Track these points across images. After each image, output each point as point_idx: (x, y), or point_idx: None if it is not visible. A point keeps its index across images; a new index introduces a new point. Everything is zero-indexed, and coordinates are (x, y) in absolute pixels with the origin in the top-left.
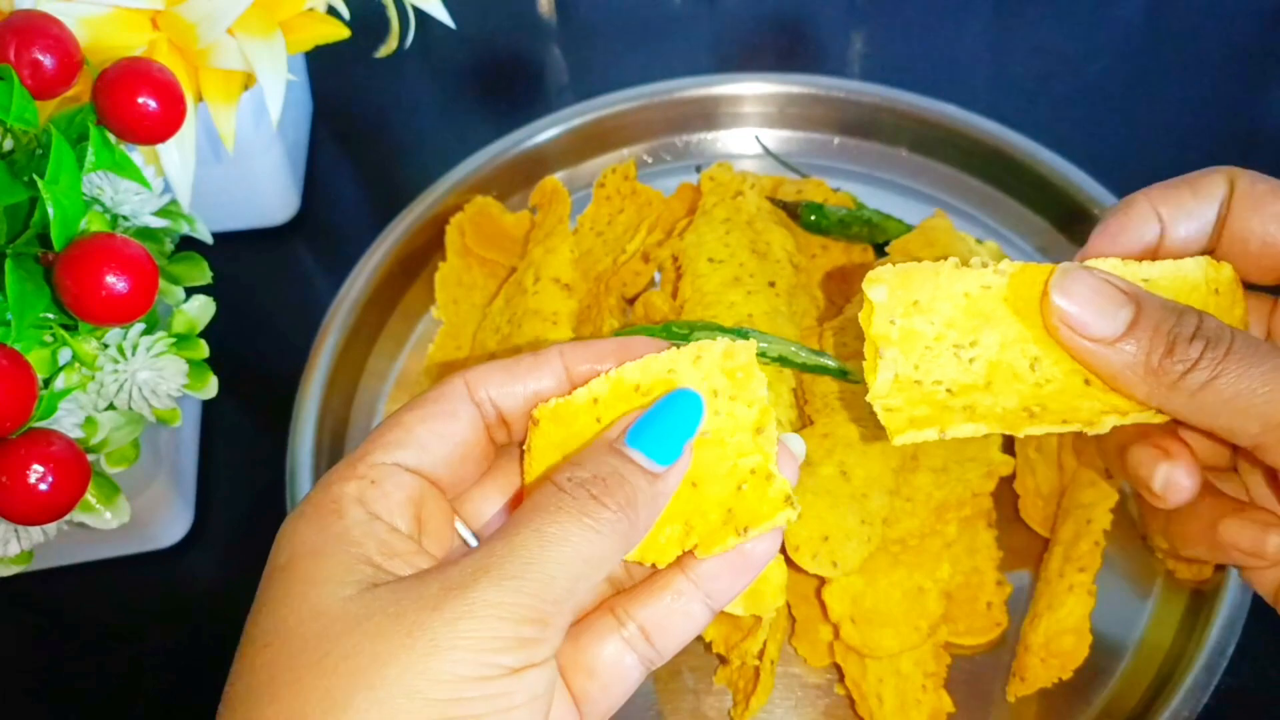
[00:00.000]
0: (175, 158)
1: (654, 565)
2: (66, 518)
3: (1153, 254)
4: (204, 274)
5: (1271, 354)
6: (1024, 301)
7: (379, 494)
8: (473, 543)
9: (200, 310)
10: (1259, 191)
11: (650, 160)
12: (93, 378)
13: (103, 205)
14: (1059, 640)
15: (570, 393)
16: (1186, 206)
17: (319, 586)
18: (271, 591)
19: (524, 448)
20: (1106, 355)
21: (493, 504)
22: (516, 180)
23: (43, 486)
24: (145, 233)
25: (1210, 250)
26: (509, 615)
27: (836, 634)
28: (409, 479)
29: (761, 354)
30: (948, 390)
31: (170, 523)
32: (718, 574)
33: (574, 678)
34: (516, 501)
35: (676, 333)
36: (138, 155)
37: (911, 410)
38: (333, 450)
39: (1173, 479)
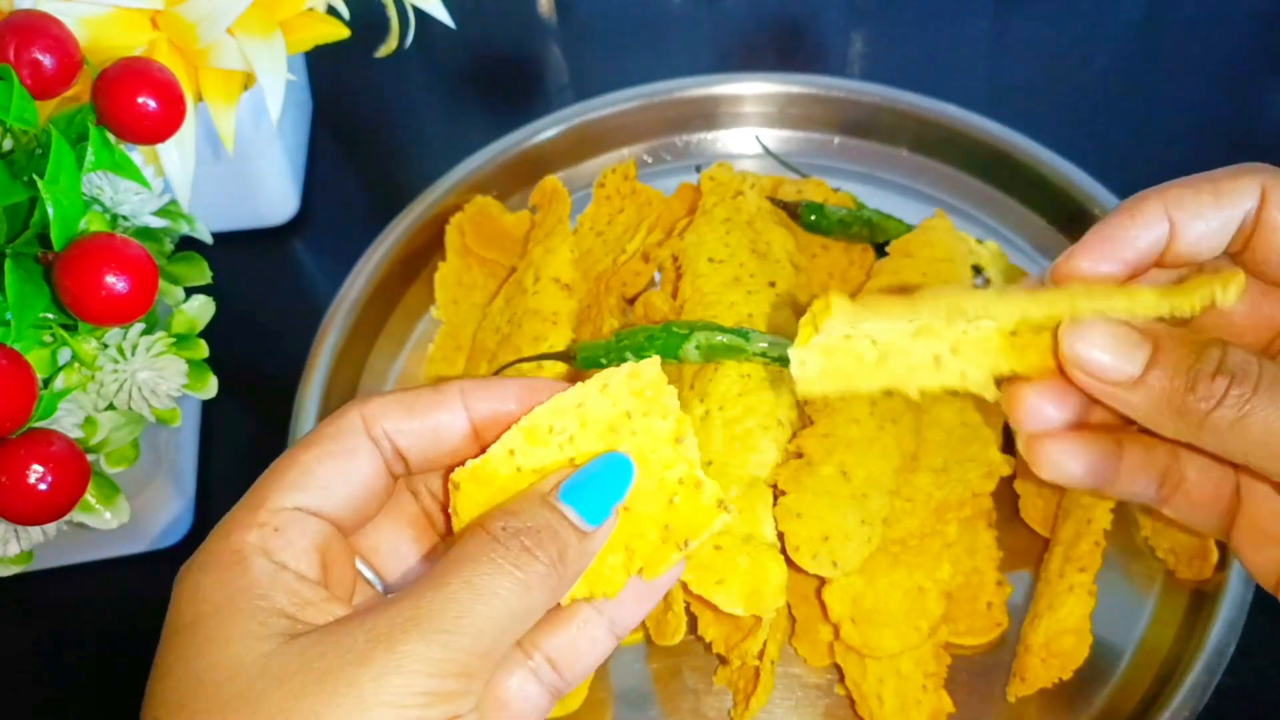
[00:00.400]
0: (175, 158)
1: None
2: (66, 518)
3: (1155, 260)
4: (204, 274)
5: None
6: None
7: (283, 542)
8: (372, 579)
9: (200, 310)
10: None
11: (650, 160)
12: (92, 378)
13: (102, 205)
14: (1059, 640)
15: (482, 451)
16: (1205, 212)
17: (233, 643)
18: (179, 651)
19: (449, 511)
20: (1129, 398)
21: (389, 539)
22: (516, 180)
23: (42, 486)
24: (145, 232)
25: (1234, 255)
26: (436, 670)
27: (837, 634)
28: (313, 523)
29: (761, 354)
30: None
31: (170, 523)
32: (621, 601)
33: (486, 711)
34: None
35: (676, 332)
36: (137, 155)
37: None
38: None
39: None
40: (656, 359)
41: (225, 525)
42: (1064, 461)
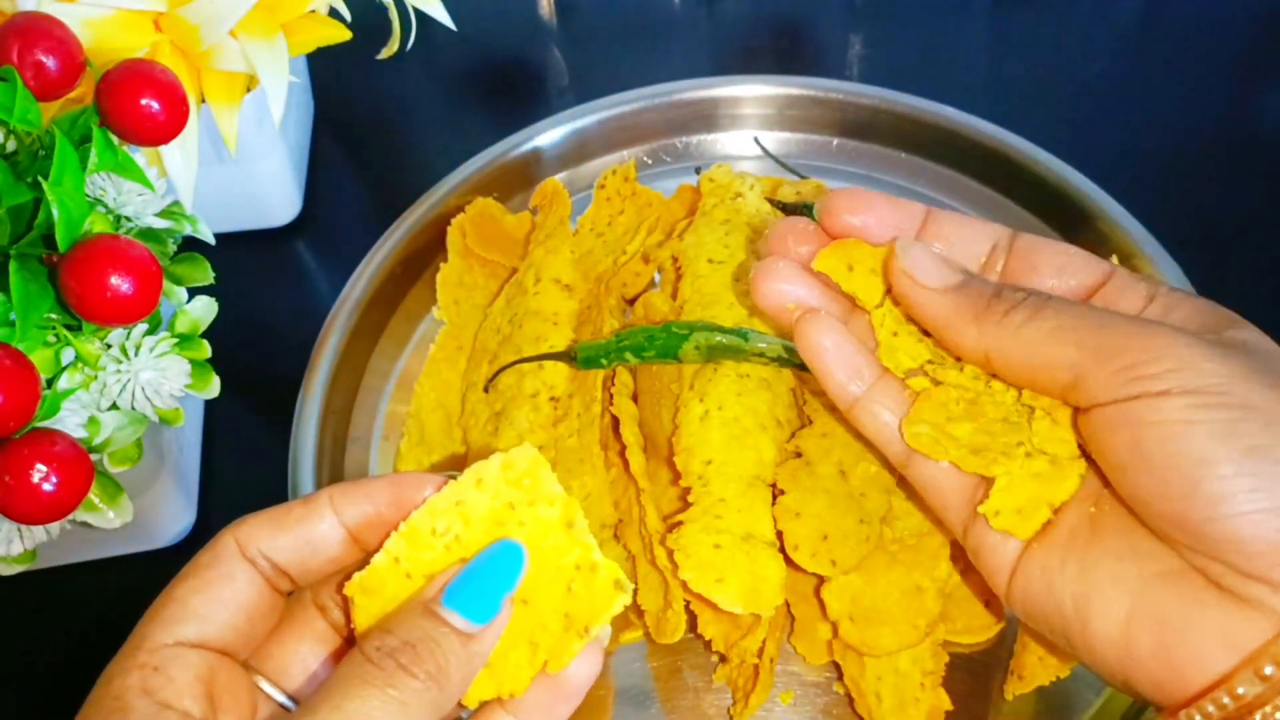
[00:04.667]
0: (178, 159)
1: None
2: (69, 517)
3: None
4: (206, 274)
5: (1084, 304)
6: None
7: (163, 680)
8: (280, 699)
9: (203, 311)
10: (1044, 240)
11: (650, 162)
12: (96, 378)
13: (106, 206)
14: None
15: (367, 557)
16: (958, 235)
17: None
18: None
19: (351, 627)
20: (941, 301)
21: (293, 653)
22: (517, 182)
23: (46, 486)
24: (148, 233)
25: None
26: None
27: (835, 632)
28: (194, 656)
29: (760, 354)
30: None
31: (173, 522)
32: (538, 705)
33: None
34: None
35: (676, 333)
36: (140, 156)
37: None
38: (334, 450)
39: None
40: (528, 445)
41: (108, 672)
42: (820, 335)
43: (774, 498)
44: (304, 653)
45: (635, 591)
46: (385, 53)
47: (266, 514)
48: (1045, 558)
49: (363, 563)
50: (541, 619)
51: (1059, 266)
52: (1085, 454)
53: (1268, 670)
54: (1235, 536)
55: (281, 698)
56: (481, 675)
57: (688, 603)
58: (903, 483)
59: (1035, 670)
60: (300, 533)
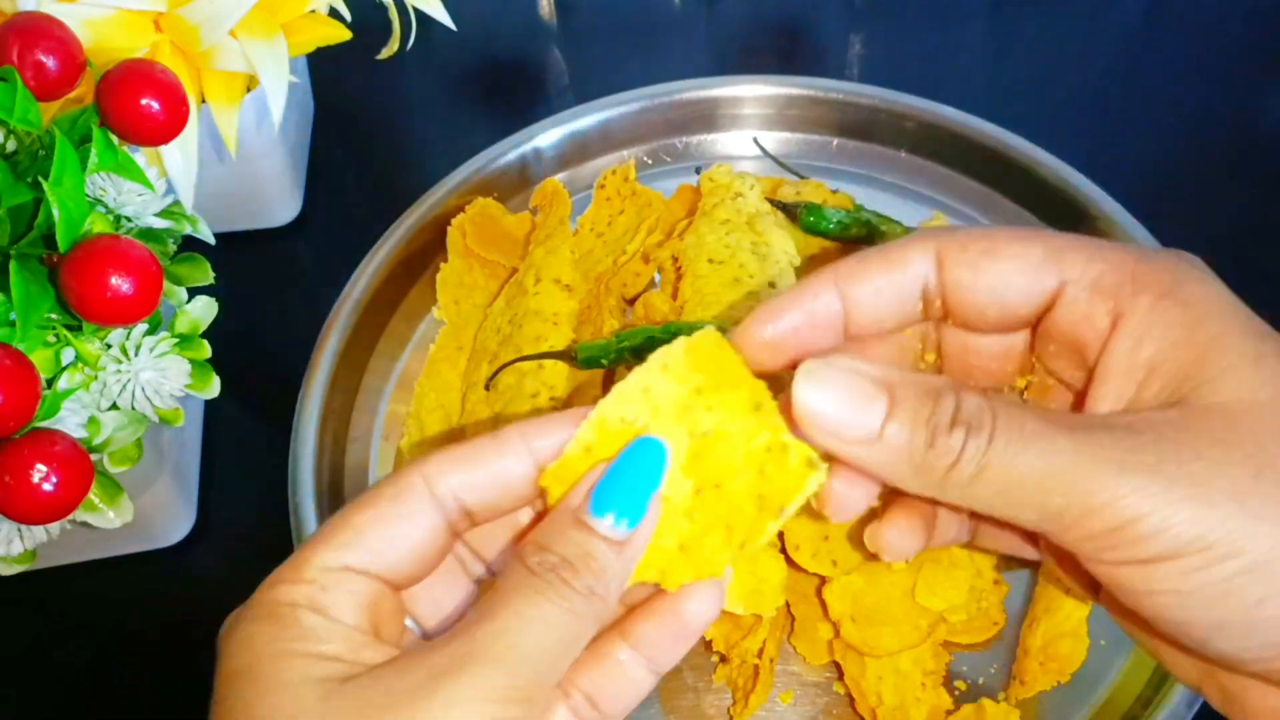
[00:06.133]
0: (178, 159)
1: (711, 578)
2: (70, 517)
3: (846, 332)
4: (207, 275)
5: (1037, 435)
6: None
7: (330, 600)
8: (411, 626)
9: (203, 311)
10: (971, 256)
11: (650, 162)
12: (96, 378)
13: (106, 206)
14: (1057, 644)
15: (562, 451)
16: (874, 280)
17: (293, 686)
18: (237, 696)
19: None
20: (869, 455)
21: (425, 586)
22: (517, 182)
23: (46, 486)
24: (148, 233)
25: (942, 319)
26: (499, 698)
27: (837, 633)
28: (360, 583)
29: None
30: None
31: (173, 522)
32: (658, 640)
33: None
34: None
35: (677, 333)
36: (141, 156)
37: None
38: (334, 450)
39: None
40: (711, 327)
41: (274, 578)
42: (902, 543)
43: None
44: (433, 587)
45: None
46: (385, 53)
47: (457, 450)
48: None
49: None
50: (735, 503)
51: (999, 297)
52: None
53: None
54: (1261, 674)
55: (415, 628)
56: (679, 560)
57: None
58: None
59: (1037, 675)
60: (493, 470)
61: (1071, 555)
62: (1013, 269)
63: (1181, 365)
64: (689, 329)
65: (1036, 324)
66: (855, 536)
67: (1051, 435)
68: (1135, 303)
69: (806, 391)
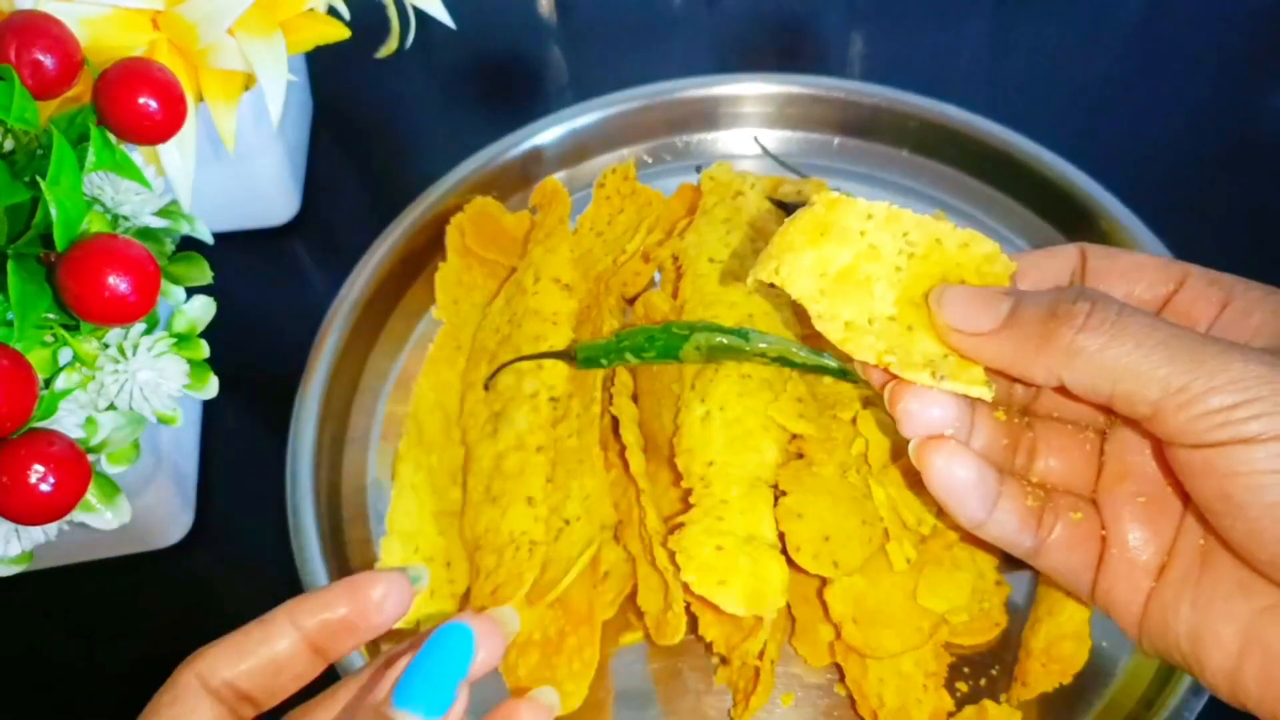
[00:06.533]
0: (176, 158)
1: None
2: (67, 518)
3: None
4: (205, 274)
5: (1162, 323)
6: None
7: None
8: None
9: (201, 310)
10: (1111, 252)
11: (650, 160)
12: (93, 378)
13: (103, 205)
14: (1059, 645)
15: (327, 662)
16: (1040, 263)
17: None
18: None
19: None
20: (998, 344)
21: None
22: (517, 180)
23: (43, 487)
24: (146, 233)
25: None
26: None
27: (838, 634)
28: None
29: (761, 354)
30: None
31: (171, 522)
32: None
33: None
34: None
35: (676, 333)
36: (138, 155)
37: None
38: (333, 450)
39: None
40: (887, 204)
41: None
42: (952, 466)
43: (776, 499)
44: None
45: (635, 593)
46: (384, 51)
47: (225, 642)
48: (1162, 596)
49: (326, 675)
50: (914, 343)
51: (1127, 275)
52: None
53: None
54: None
55: None
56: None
57: (688, 604)
58: (914, 484)
59: (1039, 677)
60: (262, 653)
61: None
62: (1145, 263)
63: None
64: (689, 328)
65: None
66: (858, 538)
67: (1177, 326)
68: (1247, 292)
69: (943, 299)
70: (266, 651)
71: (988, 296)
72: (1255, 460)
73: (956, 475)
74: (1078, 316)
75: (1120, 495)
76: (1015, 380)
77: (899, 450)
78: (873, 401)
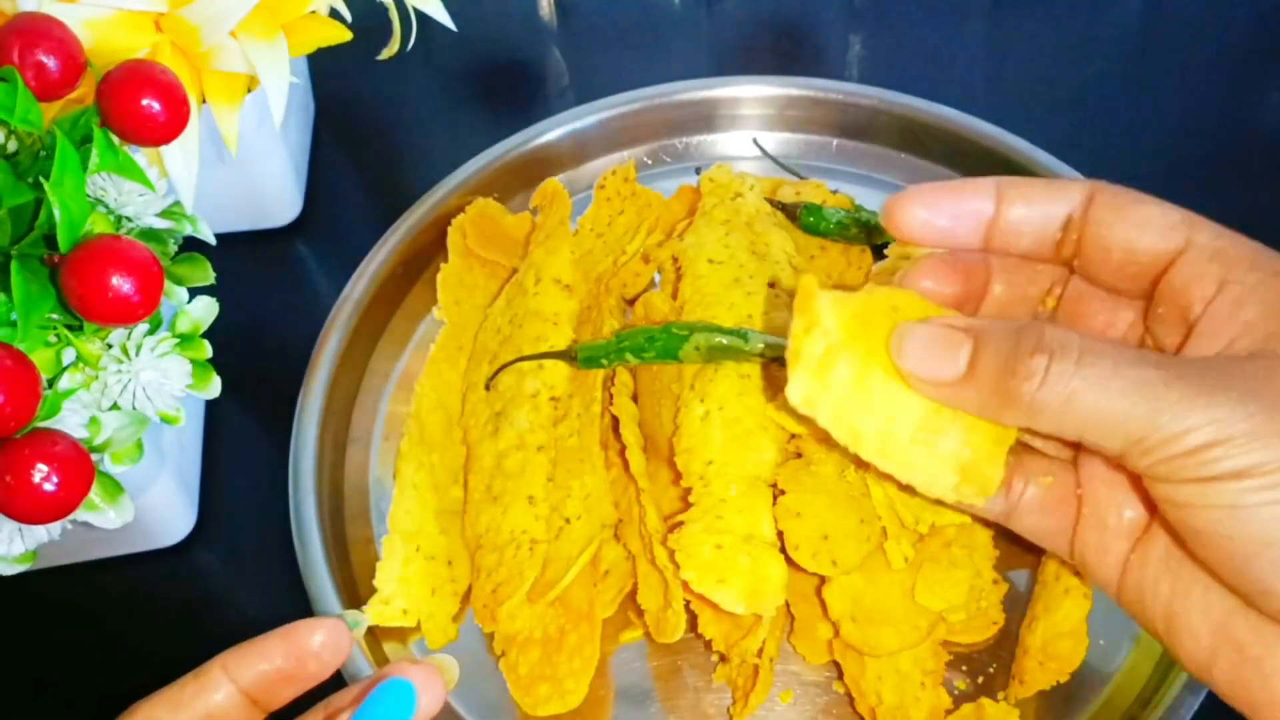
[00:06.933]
0: (179, 159)
1: None
2: (70, 517)
3: (984, 240)
4: (207, 275)
5: (1127, 364)
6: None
7: None
8: None
9: (204, 311)
10: (1121, 201)
11: (650, 162)
12: (97, 378)
13: (107, 207)
14: (1056, 644)
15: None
16: (1032, 196)
17: None
18: None
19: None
20: (965, 395)
21: None
22: (518, 182)
23: (47, 486)
24: (149, 234)
25: (1069, 260)
26: None
27: (836, 632)
28: None
29: (760, 354)
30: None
31: (173, 521)
32: None
33: None
34: None
35: (676, 333)
36: (141, 157)
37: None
38: (335, 449)
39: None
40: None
41: None
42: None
43: (775, 498)
44: None
45: (635, 591)
46: (386, 53)
47: (160, 695)
48: (1142, 569)
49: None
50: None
51: (1130, 243)
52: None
53: None
54: None
55: None
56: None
57: (688, 602)
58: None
59: (1036, 675)
60: (197, 707)
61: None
62: (1151, 219)
63: (1274, 328)
64: (689, 329)
65: (1152, 292)
66: (856, 536)
67: (1140, 366)
68: (1246, 275)
69: (898, 352)
70: (201, 705)
71: (946, 342)
72: (1213, 496)
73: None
74: (1035, 375)
75: (1096, 460)
76: None
77: None
78: None
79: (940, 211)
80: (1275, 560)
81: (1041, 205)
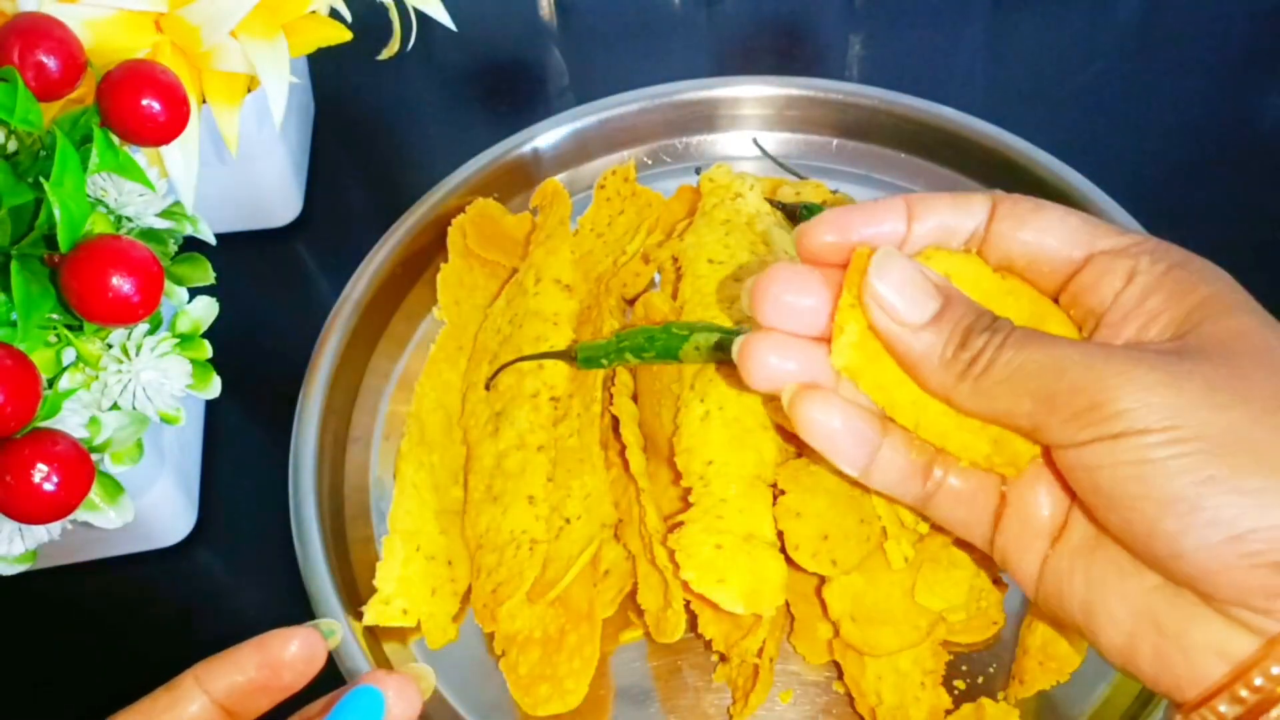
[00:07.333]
0: (179, 159)
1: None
2: (71, 517)
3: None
4: (207, 275)
5: (1046, 340)
6: None
7: None
8: None
9: (204, 311)
10: (1020, 210)
11: (650, 162)
12: (97, 378)
13: (107, 207)
14: (1056, 643)
15: None
16: (941, 210)
17: None
18: None
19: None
20: (909, 341)
21: None
22: (518, 182)
23: (47, 486)
24: (149, 234)
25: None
26: None
27: (836, 632)
28: None
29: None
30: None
31: (174, 521)
32: None
33: None
34: None
35: (676, 333)
36: (141, 157)
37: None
38: (335, 450)
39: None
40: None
41: None
42: (823, 415)
43: (775, 498)
44: None
45: (635, 591)
46: (386, 53)
47: (133, 709)
48: (1058, 563)
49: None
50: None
51: (1033, 251)
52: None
53: (1258, 681)
54: (1200, 572)
55: None
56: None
57: (688, 602)
58: None
59: (1036, 675)
60: (169, 718)
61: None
62: (1052, 227)
63: (1182, 314)
64: (689, 329)
65: (1061, 292)
66: (856, 536)
67: (1056, 341)
68: (1152, 267)
69: (877, 274)
70: (174, 718)
71: (923, 287)
72: (1118, 453)
73: (827, 424)
74: (973, 350)
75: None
76: None
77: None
78: None
79: (851, 234)
80: (1181, 517)
81: (950, 218)
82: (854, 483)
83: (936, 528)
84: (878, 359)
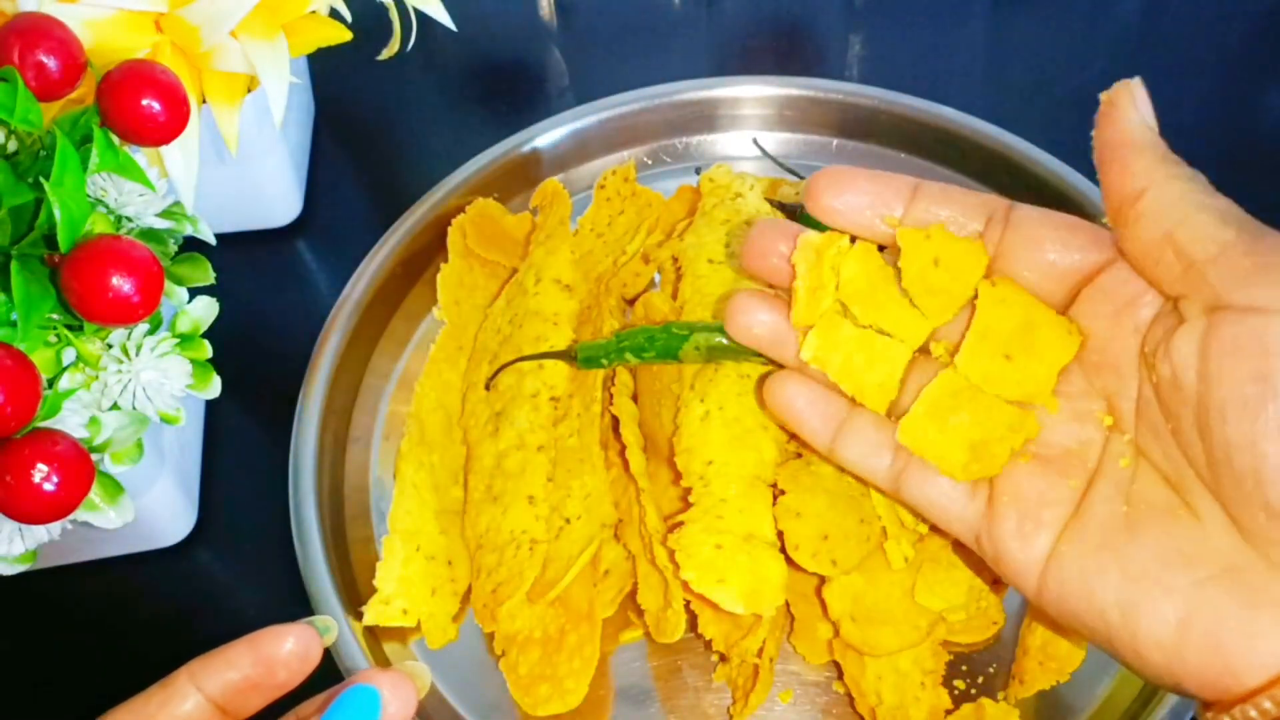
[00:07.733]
0: (179, 160)
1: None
2: (71, 517)
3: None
4: (207, 275)
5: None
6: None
7: None
8: None
9: (204, 311)
10: (1028, 222)
11: (650, 162)
12: (97, 378)
13: (107, 207)
14: (1056, 643)
15: None
16: (943, 208)
17: None
18: None
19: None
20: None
21: None
22: (518, 182)
23: (47, 486)
24: (149, 234)
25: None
26: None
27: (836, 632)
28: None
29: (759, 353)
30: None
31: (174, 521)
32: None
33: None
34: None
35: (676, 333)
36: (141, 157)
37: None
38: (335, 450)
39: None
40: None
41: None
42: (788, 391)
43: (775, 498)
44: None
45: (635, 591)
46: (386, 53)
47: (126, 706)
48: (1082, 561)
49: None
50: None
51: (1061, 240)
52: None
53: None
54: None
55: None
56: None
57: (688, 602)
58: None
59: (1036, 675)
60: (163, 718)
61: None
62: (1059, 241)
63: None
64: (689, 329)
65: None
66: (856, 536)
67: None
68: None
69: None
70: (168, 715)
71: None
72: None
73: (792, 401)
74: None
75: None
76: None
77: None
78: None
79: (854, 196)
80: None
81: (946, 213)
82: (838, 466)
83: (935, 529)
84: (842, 348)
